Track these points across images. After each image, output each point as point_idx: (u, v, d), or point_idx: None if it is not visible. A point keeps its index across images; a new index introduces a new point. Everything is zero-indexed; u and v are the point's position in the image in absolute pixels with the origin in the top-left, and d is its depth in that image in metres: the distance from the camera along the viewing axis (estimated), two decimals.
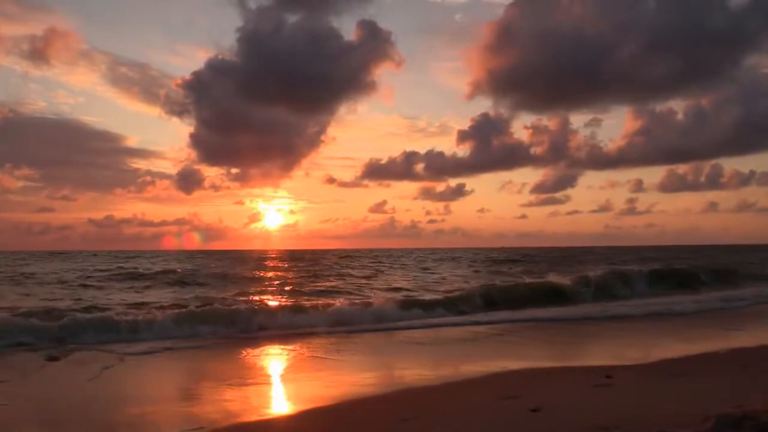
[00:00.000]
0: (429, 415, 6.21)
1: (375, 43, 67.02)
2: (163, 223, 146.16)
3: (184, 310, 14.59)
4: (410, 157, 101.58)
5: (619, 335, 13.10)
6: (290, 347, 11.66)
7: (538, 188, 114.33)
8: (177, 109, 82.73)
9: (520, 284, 22.30)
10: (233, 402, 7.22)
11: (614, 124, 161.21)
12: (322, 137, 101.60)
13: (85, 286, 25.07)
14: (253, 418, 6.47)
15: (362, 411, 6.67)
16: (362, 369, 9.57)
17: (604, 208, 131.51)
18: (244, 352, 11.22)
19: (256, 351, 11.41)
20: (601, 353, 11.01)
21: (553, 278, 23.59)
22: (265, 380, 8.83)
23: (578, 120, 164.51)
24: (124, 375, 9.26)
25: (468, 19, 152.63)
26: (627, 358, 9.60)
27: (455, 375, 8.66)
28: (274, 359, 10.78)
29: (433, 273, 35.50)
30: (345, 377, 8.85)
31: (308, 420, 6.36)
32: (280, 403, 7.44)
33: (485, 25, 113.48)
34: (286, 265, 47.90)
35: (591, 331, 13.84)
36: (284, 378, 9.04)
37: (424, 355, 10.94)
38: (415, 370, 9.13)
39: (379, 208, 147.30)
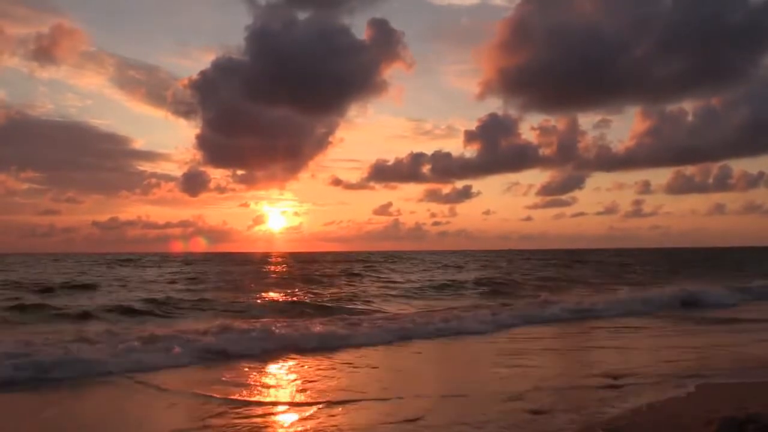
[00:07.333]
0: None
1: (386, 42, 66.71)
2: (168, 225, 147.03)
3: None
4: (417, 158, 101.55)
5: None
6: None
7: (545, 190, 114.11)
8: (183, 110, 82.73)
9: None
10: None
11: (624, 125, 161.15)
12: (330, 138, 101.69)
13: None
14: None
15: None
16: None
17: (610, 210, 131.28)
18: None
19: None
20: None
21: None
22: None
23: (587, 121, 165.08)
24: None
25: (474, 21, 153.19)
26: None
27: None
28: None
29: None
30: None
31: None
32: None
33: (496, 24, 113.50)
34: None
35: None
36: None
37: None
38: None
39: (383, 210, 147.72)
